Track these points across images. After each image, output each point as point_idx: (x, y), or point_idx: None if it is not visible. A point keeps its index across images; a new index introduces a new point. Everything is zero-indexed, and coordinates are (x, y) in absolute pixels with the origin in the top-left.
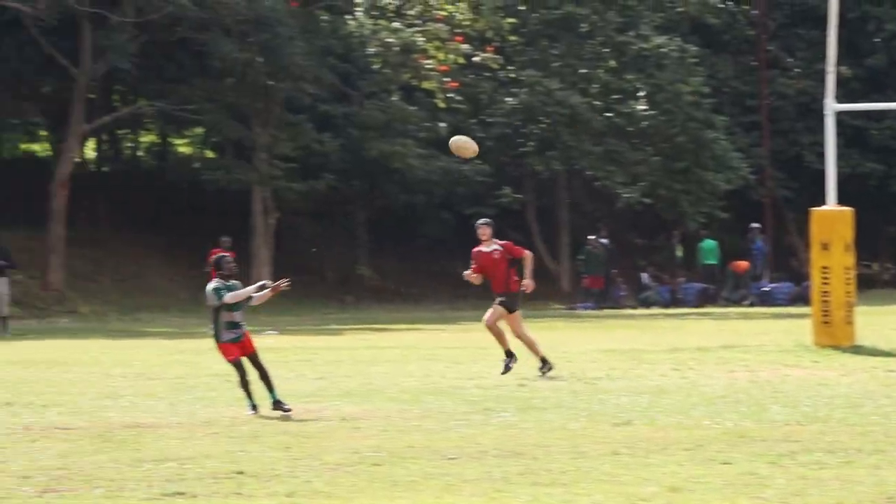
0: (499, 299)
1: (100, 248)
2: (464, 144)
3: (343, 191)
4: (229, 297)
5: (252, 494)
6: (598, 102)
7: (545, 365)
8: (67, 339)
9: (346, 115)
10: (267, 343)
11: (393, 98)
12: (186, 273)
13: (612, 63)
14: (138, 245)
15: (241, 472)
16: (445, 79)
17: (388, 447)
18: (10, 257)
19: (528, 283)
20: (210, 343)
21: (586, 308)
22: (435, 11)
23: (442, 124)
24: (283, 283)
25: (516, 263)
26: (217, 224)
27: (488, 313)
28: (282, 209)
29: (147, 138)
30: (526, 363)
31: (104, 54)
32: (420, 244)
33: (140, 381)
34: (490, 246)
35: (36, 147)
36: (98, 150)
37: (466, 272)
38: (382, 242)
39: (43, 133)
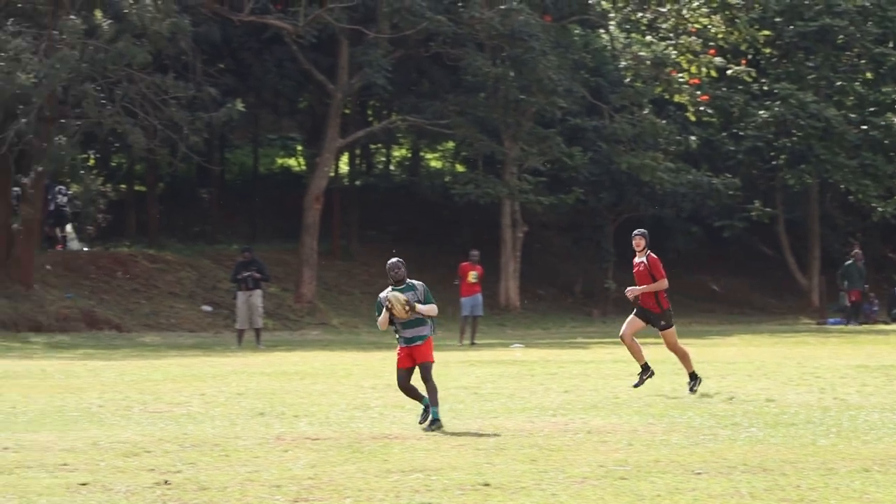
0: (636, 310)
1: (351, 260)
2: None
3: (591, 204)
4: (379, 323)
5: None
6: (853, 115)
7: (694, 381)
8: (319, 351)
9: (595, 128)
10: (514, 356)
11: (644, 111)
12: (435, 286)
13: (869, 75)
14: (389, 258)
15: (486, 484)
16: (697, 92)
17: (634, 461)
18: (265, 270)
19: (631, 290)
20: (458, 356)
21: (837, 323)
22: (688, 25)
23: (692, 137)
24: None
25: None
26: (466, 237)
27: (624, 325)
28: (530, 222)
29: (399, 152)
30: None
31: (360, 70)
32: (668, 257)
33: (389, 392)
34: (640, 257)
35: (292, 162)
36: (351, 164)
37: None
38: (630, 255)
39: (299, 148)
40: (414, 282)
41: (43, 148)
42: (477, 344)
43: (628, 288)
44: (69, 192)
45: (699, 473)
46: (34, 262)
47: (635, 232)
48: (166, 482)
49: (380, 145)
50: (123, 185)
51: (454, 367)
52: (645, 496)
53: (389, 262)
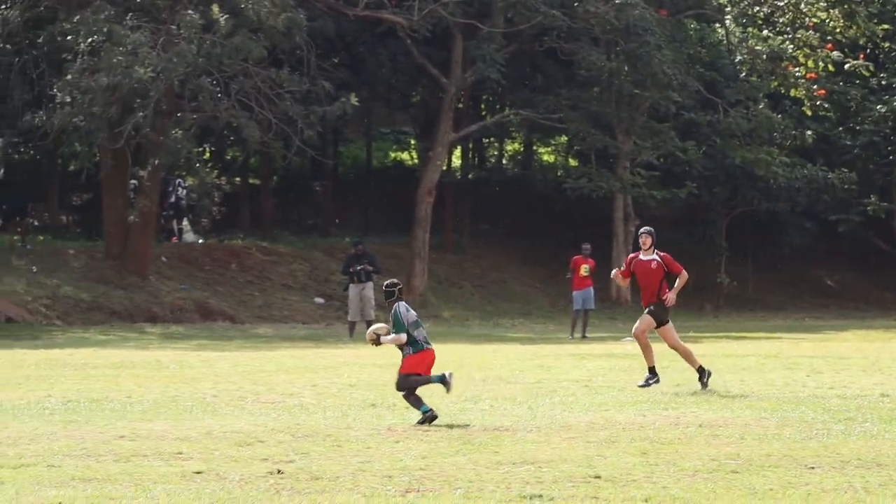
0: (648, 309)
1: (462, 254)
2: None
3: (704, 198)
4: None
5: (608, 499)
6: None
7: (703, 375)
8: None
9: (710, 122)
10: (625, 350)
11: (759, 106)
12: (547, 280)
13: None
14: (500, 251)
15: (597, 477)
16: (814, 86)
17: (746, 455)
18: (377, 263)
19: (670, 297)
20: (569, 349)
21: None
22: (806, 19)
23: (808, 132)
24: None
25: (670, 277)
26: (578, 231)
27: (637, 323)
28: (642, 216)
29: (512, 146)
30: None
31: (474, 64)
32: (781, 252)
33: (500, 385)
34: (649, 255)
35: (405, 155)
36: (464, 157)
37: (614, 271)
38: (742, 250)
39: (412, 141)
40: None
41: (160, 141)
42: (588, 337)
43: (668, 295)
44: (186, 186)
45: (812, 468)
46: (150, 254)
47: (642, 230)
48: (279, 471)
49: (492, 139)
50: (238, 179)
51: (565, 360)
52: (757, 490)
53: (392, 281)
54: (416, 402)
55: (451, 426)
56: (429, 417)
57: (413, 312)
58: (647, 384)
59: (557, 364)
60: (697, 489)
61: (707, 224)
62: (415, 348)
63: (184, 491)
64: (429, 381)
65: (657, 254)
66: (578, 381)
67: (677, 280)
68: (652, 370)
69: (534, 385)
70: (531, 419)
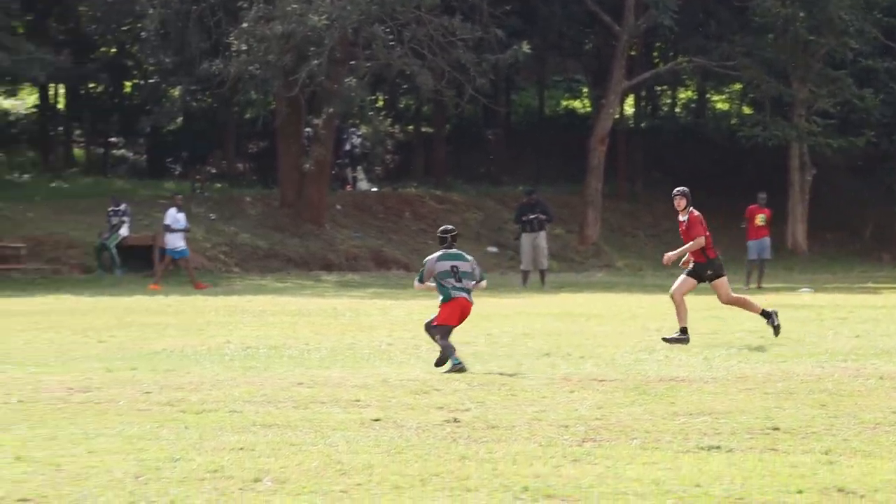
0: (688, 268)
1: (635, 202)
2: None
3: (883, 146)
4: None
5: (788, 451)
6: None
7: (771, 318)
8: (603, 293)
9: (888, 69)
10: (803, 300)
11: None
12: (720, 229)
13: None
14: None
15: (776, 428)
16: None
17: None
18: (550, 212)
19: (668, 256)
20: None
21: None
22: None
23: None
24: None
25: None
26: (753, 180)
27: (675, 283)
28: (819, 164)
29: (685, 94)
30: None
31: (646, 11)
32: None
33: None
34: (683, 216)
35: (577, 104)
36: (636, 105)
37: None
38: None
39: (584, 90)
40: (465, 254)
41: (334, 89)
42: (764, 288)
43: (668, 254)
44: (360, 134)
45: None
46: (325, 203)
47: (675, 191)
48: (455, 420)
49: (665, 87)
50: (411, 127)
51: (740, 310)
52: None
53: (445, 227)
54: (449, 350)
55: (626, 377)
56: (457, 369)
57: (448, 263)
58: (674, 341)
59: (732, 314)
60: (879, 442)
61: (885, 172)
62: (444, 298)
63: (362, 438)
64: (446, 346)
65: (689, 214)
66: (754, 331)
67: (686, 246)
68: (684, 330)
69: (709, 336)
70: (707, 370)
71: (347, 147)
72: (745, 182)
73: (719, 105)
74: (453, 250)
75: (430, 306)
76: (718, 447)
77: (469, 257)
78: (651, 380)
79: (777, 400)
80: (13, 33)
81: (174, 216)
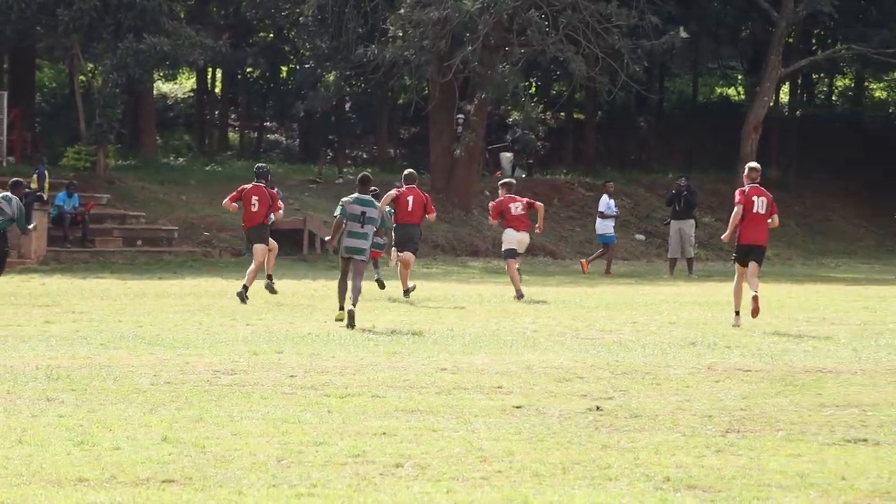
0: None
1: (787, 191)
2: None
3: None
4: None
5: None
6: None
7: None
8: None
9: None
10: None
11: None
12: (873, 219)
13: None
14: (827, 189)
15: None
16: None
17: None
18: (693, 200)
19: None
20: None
21: None
22: None
23: None
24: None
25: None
26: None
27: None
28: None
29: (842, 82)
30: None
31: None
32: None
33: (823, 325)
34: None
35: (731, 91)
36: (792, 93)
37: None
38: None
39: (739, 77)
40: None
41: (487, 75)
42: None
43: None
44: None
45: None
46: (475, 188)
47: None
48: (598, 408)
49: (822, 75)
50: (563, 113)
51: (892, 301)
52: None
53: (361, 174)
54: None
55: (772, 367)
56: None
57: (360, 207)
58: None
59: (883, 305)
60: None
61: None
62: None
63: (504, 425)
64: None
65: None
66: None
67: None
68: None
69: (858, 326)
70: (855, 361)
71: (509, 137)
72: None
73: (878, 93)
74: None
75: (574, 293)
76: (865, 440)
77: (378, 204)
78: (797, 370)
79: None
80: (174, 18)
81: (606, 202)
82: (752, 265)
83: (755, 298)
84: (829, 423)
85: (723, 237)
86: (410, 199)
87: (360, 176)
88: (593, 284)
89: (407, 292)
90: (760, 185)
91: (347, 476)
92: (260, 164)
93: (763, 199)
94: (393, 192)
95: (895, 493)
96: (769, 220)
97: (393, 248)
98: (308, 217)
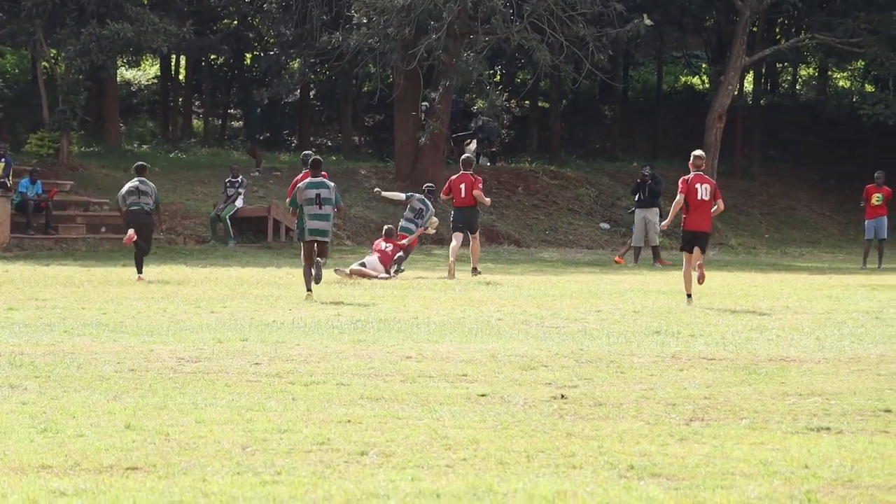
0: None
1: (751, 180)
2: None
3: None
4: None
5: None
6: None
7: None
8: (716, 272)
9: None
10: None
11: None
12: (837, 208)
13: None
14: (790, 178)
15: (888, 410)
16: None
17: None
18: (657, 189)
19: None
20: (860, 279)
21: None
22: None
23: None
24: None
25: None
26: (873, 159)
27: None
28: None
29: (806, 71)
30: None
31: None
32: None
33: (787, 314)
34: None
35: (695, 80)
36: (756, 82)
37: None
38: None
39: (703, 66)
40: (327, 181)
41: (452, 63)
42: (884, 268)
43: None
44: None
45: None
46: (440, 176)
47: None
48: (563, 396)
49: (786, 64)
50: (527, 102)
51: (855, 290)
52: None
53: (313, 157)
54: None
55: (736, 356)
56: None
57: (314, 191)
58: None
59: (847, 294)
60: None
61: None
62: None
63: (468, 413)
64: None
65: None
66: (869, 312)
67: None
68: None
69: (822, 315)
70: (819, 350)
71: (474, 125)
72: (865, 161)
73: (841, 82)
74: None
75: (539, 282)
76: (828, 428)
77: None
78: (761, 359)
79: (889, 381)
80: (137, 4)
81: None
82: (696, 251)
83: (700, 266)
84: (792, 411)
85: (662, 224)
86: (463, 185)
87: (311, 159)
88: (558, 273)
89: (475, 270)
90: (706, 172)
91: (312, 463)
92: (306, 153)
93: (707, 186)
94: (446, 184)
95: (857, 482)
96: (714, 207)
97: (455, 234)
98: (273, 205)
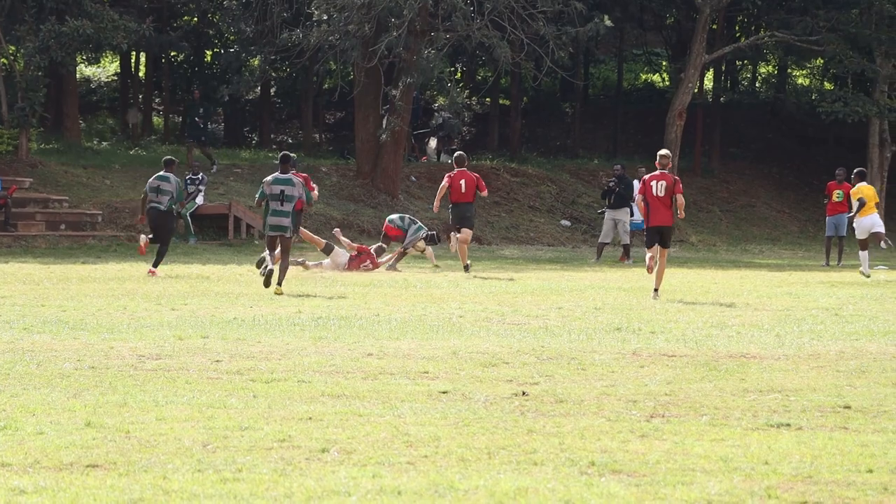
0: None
1: (711, 177)
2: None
3: None
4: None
5: (859, 429)
6: None
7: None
8: (677, 268)
9: None
10: (878, 278)
11: None
12: (796, 205)
13: None
14: (749, 176)
15: (847, 407)
16: None
17: None
18: (630, 190)
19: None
20: (820, 276)
21: None
22: None
23: None
24: None
25: None
26: (832, 156)
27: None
28: None
29: (765, 69)
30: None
31: None
32: None
33: (747, 311)
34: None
35: (655, 78)
36: (716, 80)
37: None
38: None
39: (663, 63)
40: (294, 178)
41: (412, 61)
42: (844, 265)
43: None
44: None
45: None
46: (400, 173)
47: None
48: (524, 393)
49: (746, 61)
50: (488, 99)
51: (815, 287)
52: None
53: (282, 153)
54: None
55: (696, 353)
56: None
57: (279, 187)
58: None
59: (807, 291)
60: None
61: None
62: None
63: (430, 410)
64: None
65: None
66: (828, 308)
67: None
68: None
69: (782, 312)
70: (779, 347)
71: (434, 123)
72: (825, 158)
73: (800, 80)
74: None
75: (500, 279)
76: (788, 425)
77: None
78: (721, 356)
79: (849, 378)
80: (97, 1)
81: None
82: (660, 250)
83: (651, 258)
84: (752, 408)
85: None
86: (463, 181)
87: (280, 154)
88: (519, 270)
89: (467, 268)
90: (671, 171)
91: (273, 461)
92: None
93: (662, 182)
94: (445, 180)
95: (817, 477)
96: (673, 201)
97: (452, 233)
98: (233, 202)
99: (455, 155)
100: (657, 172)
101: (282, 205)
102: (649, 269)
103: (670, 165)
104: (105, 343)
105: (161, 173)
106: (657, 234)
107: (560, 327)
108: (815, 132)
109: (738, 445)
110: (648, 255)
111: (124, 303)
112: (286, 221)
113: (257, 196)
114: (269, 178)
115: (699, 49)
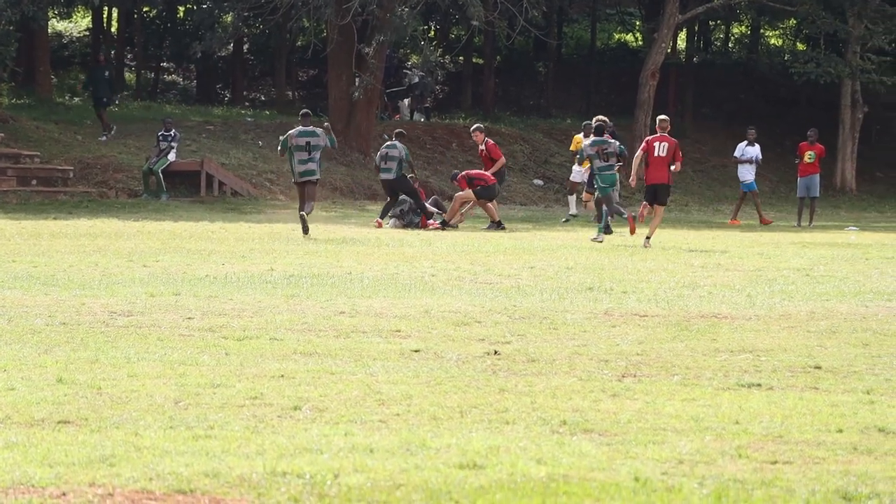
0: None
1: (684, 137)
2: None
3: None
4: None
5: (829, 389)
6: None
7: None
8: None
9: None
10: (848, 239)
11: None
12: (767, 165)
13: None
14: (722, 136)
15: (818, 367)
16: None
17: None
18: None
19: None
20: (791, 237)
21: None
22: None
23: None
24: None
25: None
26: (804, 117)
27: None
28: (871, 103)
29: (738, 29)
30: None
31: None
32: None
33: (718, 271)
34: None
35: (629, 37)
36: (689, 40)
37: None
38: None
39: (637, 23)
40: (316, 129)
41: (386, 18)
42: (815, 226)
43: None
44: (409, 64)
45: None
46: (373, 131)
47: (474, 127)
48: (496, 352)
49: (719, 21)
50: (461, 58)
51: (786, 248)
52: None
53: (304, 110)
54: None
55: (668, 312)
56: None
57: (304, 139)
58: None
59: (778, 252)
60: None
61: None
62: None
63: (402, 368)
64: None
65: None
66: (799, 269)
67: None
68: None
69: (753, 273)
70: (750, 307)
71: (407, 82)
72: (796, 119)
73: (773, 41)
74: (309, 128)
75: (473, 237)
76: (759, 385)
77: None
78: (693, 316)
79: (819, 339)
80: None
81: (742, 148)
82: (657, 208)
83: (632, 218)
84: (723, 368)
85: (630, 181)
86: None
87: (302, 112)
88: (491, 228)
89: (500, 224)
90: (670, 134)
91: (245, 418)
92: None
93: (665, 143)
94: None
95: (787, 437)
96: (672, 165)
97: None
98: (206, 159)
99: (472, 127)
100: (660, 135)
101: (309, 154)
102: (640, 217)
103: (669, 129)
104: (76, 299)
105: (300, 128)
106: (655, 191)
107: (532, 287)
108: (788, 93)
109: (708, 405)
110: (646, 208)
111: (96, 259)
112: (314, 167)
113: (279, 147)
114: (293, 131)
115: (672, 9)
